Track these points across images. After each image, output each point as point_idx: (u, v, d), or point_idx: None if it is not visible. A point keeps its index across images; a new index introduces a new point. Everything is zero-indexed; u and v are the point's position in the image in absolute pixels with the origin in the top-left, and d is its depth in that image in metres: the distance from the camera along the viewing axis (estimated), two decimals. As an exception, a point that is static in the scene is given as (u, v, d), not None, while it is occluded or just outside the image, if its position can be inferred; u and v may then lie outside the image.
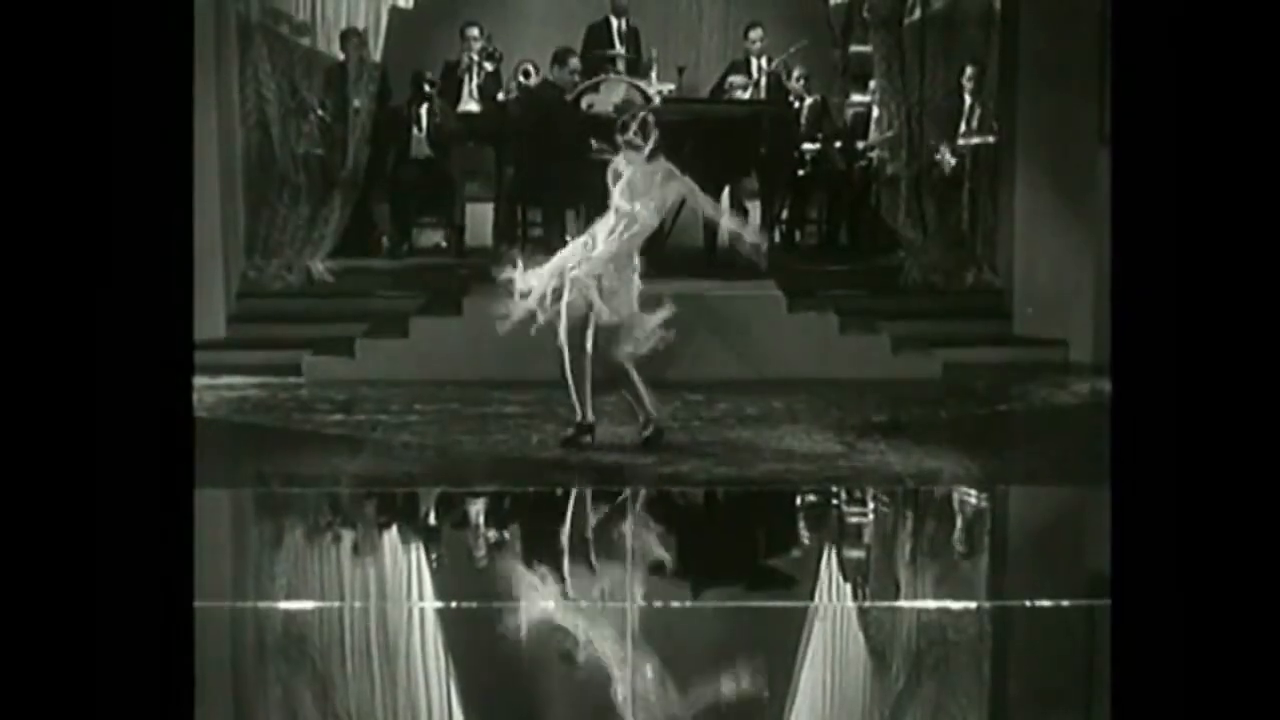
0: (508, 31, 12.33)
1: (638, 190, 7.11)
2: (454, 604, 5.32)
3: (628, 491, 6.74)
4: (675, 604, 5.37)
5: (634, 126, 7.22)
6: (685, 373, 8.43)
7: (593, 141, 7.08)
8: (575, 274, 7.05)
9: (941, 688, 4.56)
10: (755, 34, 11.94)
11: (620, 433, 7.52)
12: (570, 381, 7.24)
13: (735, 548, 6.39)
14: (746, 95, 11.46)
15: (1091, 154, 9.27)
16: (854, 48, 11.95)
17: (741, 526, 6.73)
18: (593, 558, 6.06)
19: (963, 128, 10.80)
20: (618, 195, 7.12)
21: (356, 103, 10.52)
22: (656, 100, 10.25)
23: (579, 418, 7.33)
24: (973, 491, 6.83)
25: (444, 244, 11.62)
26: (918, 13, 10.43)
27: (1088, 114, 9.32)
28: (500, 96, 11.67)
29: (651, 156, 7.18)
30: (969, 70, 10.62)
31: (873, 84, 11.01)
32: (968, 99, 10.78)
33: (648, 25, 12.29)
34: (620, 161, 7.22)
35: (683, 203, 7.84)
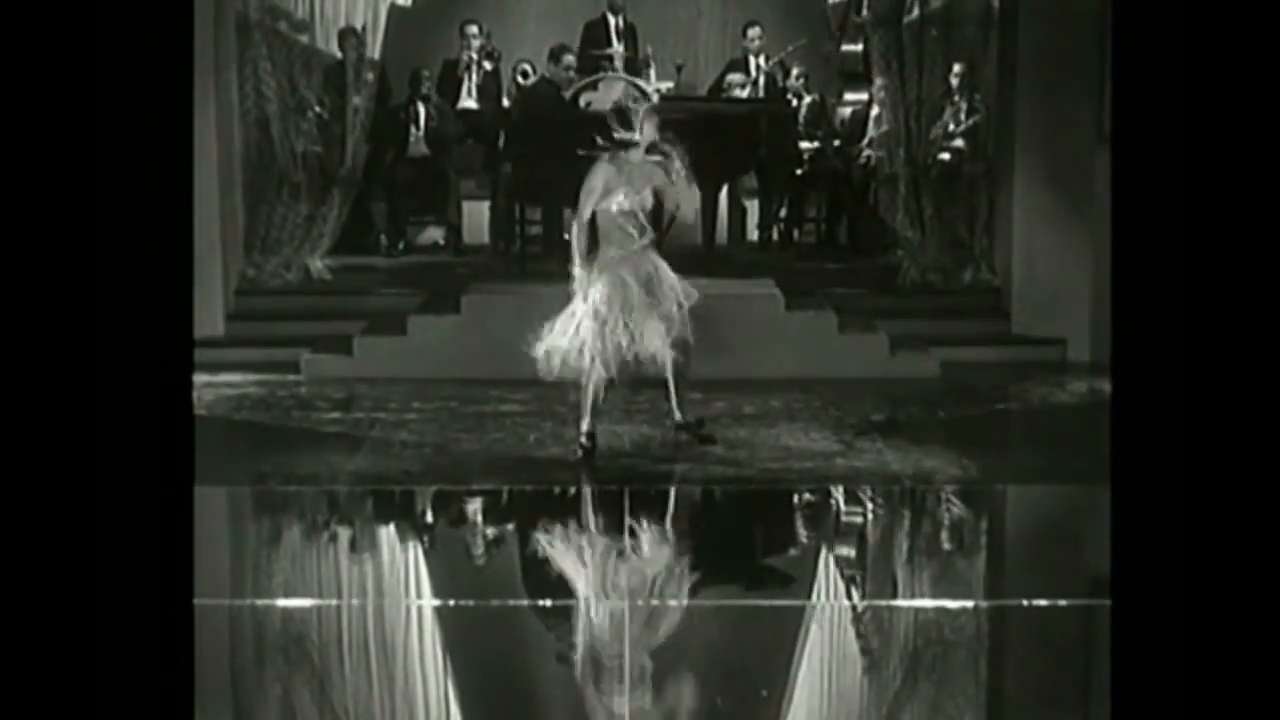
0: (507, 30, 12.34)
1: (636, 183, 6.95)
2: (451, 602, 5.32)
3: (626, 490, 6.75)
4: (672, 602, 5.37)
5: (640, 120, 6.97)
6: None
7: (598, 139, 6.96)
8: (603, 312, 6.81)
9: (939, 687, 4.55)
10: (753, 32, 11.94)
11: (619, 431, 7.52)
12: (587, 396, 7.03)
13: (733, 546, 6.39)
14: (745, 94, 11.47)
15: (1091, 153, 9.27)
16: (845, 46, 11.95)
17: (739, 525, 6.72)
18: (590, 555, 6.05)
19: (951, 126, 10.79)
20: (622, 197, 6.90)
21: (355, 101, 10.51)
22: (654, 98, 10.24)
23: (587, 428, 7.12)
24: (970, 491, 6.82)
25: (442, 242, 11.64)
26: (916, 11, 10.43)
27: (1087, 113, 9.33)
28: (500, 96, 11.68)
29: (649, 149, 7.00)
30: (957, 68, 10.60)
31: (875, 82, 11.00)
32: (957, 97, 10.77)
33: (645, 23, 12.28)
34: (606, 167, 6.97)
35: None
